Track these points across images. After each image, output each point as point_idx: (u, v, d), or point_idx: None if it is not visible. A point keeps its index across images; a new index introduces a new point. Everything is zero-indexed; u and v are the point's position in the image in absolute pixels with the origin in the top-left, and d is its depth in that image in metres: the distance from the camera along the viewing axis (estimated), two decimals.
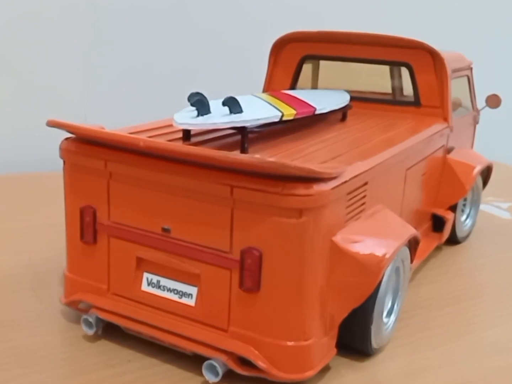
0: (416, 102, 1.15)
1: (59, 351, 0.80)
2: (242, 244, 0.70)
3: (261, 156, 0.78)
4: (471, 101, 1.30)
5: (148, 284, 0.79)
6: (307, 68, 1.27)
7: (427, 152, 1.04)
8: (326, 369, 0.79)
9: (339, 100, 1.04)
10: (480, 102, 1.32)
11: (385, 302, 0.81)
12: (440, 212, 1.16)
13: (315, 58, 1.23)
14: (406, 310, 0.97)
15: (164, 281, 0.78)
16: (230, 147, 0.81)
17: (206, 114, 0.78)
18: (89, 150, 0.78)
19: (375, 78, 1.24)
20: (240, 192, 0.68)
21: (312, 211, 0.67)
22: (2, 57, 1.59)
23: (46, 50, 1.64)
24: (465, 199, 1.28)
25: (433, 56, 1.11)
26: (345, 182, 0.72)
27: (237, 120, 0.77)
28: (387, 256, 0.75)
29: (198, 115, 0.77)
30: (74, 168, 0.81)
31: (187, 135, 0.84)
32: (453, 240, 1.24)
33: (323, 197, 0.68)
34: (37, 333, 0.84)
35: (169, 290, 0.78)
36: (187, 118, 0.77)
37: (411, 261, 0.90)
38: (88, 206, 0.80)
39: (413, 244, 0.88)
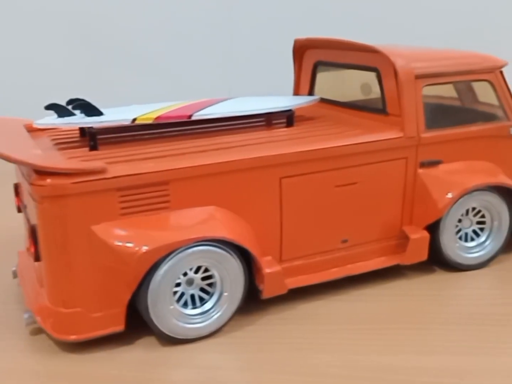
0: (383, 110, 1.07)
1: None
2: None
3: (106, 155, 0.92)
4: (503, 109, 1.11)
5: None
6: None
7: (347, 163, 0.99)
8: (113, 346, 0.89)
9: (265, 105, 1.06)
10: None
11: (167, 293, 0.86)
12: (409, 230, 1.06)
13: (324, 65, 1.23)
14: (281, 317, 0.98)
15: None
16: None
17: (67, 116, 0.96)
18: None
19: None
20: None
21: (51, 199, 0.81)
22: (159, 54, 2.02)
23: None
24: (480, 223, 1.11)
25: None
26: (105, 179, 0.82)
27: (76, 121, 0.94)
28: (144, 250, 0.82)
29: (58, 117, 0.96)
30: None
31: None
32: (447, 265, 1.11)
33: (60, 189, 0.80)
34: None
35: None
36: (46, 119, 0.96)
37: (252, 266, 0.92)
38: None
39: (249, 249, 0.89)
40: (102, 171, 0.83)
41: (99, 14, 2.03)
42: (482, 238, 1.12)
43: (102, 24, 2.03)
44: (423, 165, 1.05)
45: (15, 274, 1.07)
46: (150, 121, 0.98)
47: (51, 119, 0.96)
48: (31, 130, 1.04)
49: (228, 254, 0.89)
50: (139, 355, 0.88)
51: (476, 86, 1.14)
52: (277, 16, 2.02)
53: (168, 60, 2.04)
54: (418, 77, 1.02)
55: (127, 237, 0.84)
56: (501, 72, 1.10)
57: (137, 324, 0.89)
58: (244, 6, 2.04)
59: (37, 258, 0.87)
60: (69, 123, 0.94)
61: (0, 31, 2.03)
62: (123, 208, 0.85)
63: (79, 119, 0.95)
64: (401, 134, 1.02)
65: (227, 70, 2.04)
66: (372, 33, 1.89)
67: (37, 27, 2.03)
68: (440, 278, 1.10)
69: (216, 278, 0.91)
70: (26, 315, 0.90)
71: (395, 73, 1.02)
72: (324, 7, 2.04)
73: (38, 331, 0.92)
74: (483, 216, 1.11)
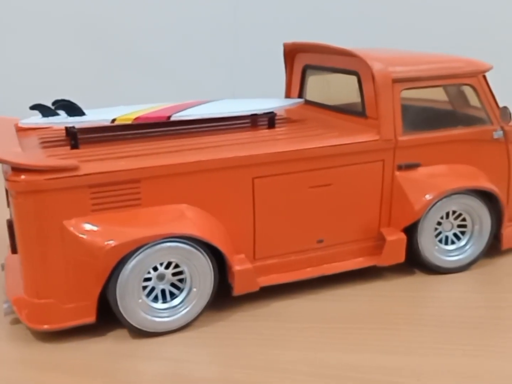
0: (363, 113, 1.08)
1: None
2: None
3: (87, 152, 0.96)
4: (486, 113, 1.11)
5: None
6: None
7: (320, 164, 1.00)
8: (85, 336, 0.93)
9: (246, 107, 1.09)
10: None
11: (136, 287, 0.89)
12: (386, 231, 1.07)
13: (312, 68, 1.25)
14: (253, 314, 1.00)
15: None
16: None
17: (51, 116, 1.00)
18: None
19: None
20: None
21: (26, 195, 0.85)
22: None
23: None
24: (462, 226, 1.12)
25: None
26: (77, 176, 0.86)
27: (58, 121, 0.98)
28: (112, 244, 0.86)
29: (42, 117, 1.00)
30: None
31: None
32: (426, 267, 1.11)
33: (34, 184, 0.84)
34: None
35: None
36: (31, 118, 1.01)
37: (227, 267, 0.95)
38: None
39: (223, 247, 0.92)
40: (74, 168, 0.86)
41: (105, 16, 2.08)
42: (463, 242, 1.12)
43: (108, 26, 2.08)
44: (400, 168, 1.06)
45: (3, 267, 1.11)
46: (129, 122, 1.01)
47: (35, 119, 1.01)
48: (23, 129, 1.08)
49: (197, 251, 0.92)
50: (109, 346, 0.92)
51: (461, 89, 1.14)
52: (282, 16, 2.05)
53: (173, 61, 2.08)
54: (396, 81, 1.03)
55: (97, 232, 0.87)
56: (484, 77, 1.11)
57: (111, 316, 0.92)
58: (249, 7, 2.07)
59: (14, 250, 0.91)
60: (52, 123, 0.98)
61: (3, 33, 2.11)
62: (94, 204, 0.88)
63: (62, 119, 0.99)
64: (377, 137, 1.03)
65: (231, 71, 2.08)
66: (376, 34, 1.91)
67: (41, 29, 2.09)
68: (418, 280, 1.11)
69: (186, 274, 0.93)
70: (5, 305, 0.94)
71: (373, 77, 1.04)
72: (331, 9, 2.05)
73: (18, 320, 0.96)
74: (464, 220, 1.12)
